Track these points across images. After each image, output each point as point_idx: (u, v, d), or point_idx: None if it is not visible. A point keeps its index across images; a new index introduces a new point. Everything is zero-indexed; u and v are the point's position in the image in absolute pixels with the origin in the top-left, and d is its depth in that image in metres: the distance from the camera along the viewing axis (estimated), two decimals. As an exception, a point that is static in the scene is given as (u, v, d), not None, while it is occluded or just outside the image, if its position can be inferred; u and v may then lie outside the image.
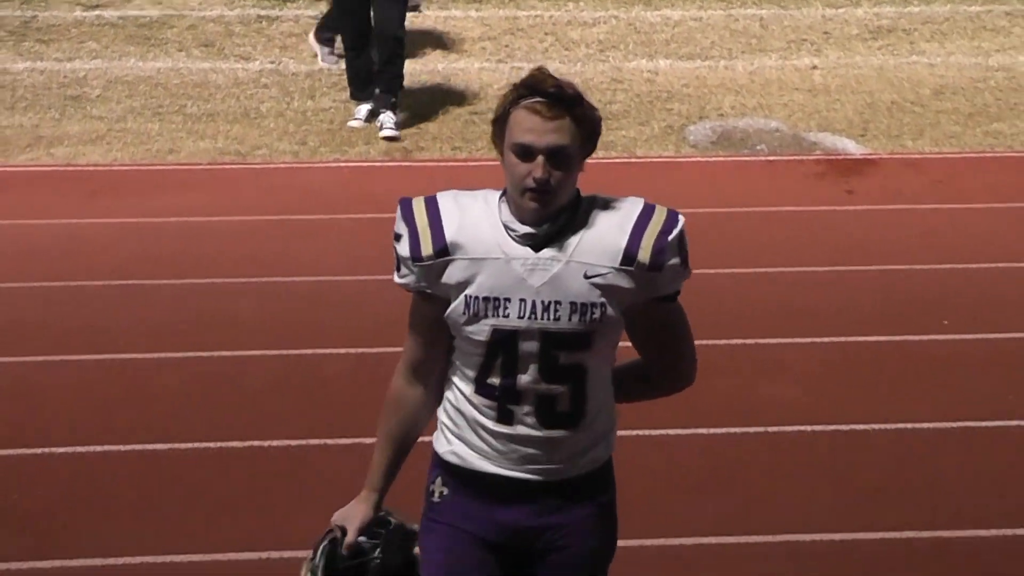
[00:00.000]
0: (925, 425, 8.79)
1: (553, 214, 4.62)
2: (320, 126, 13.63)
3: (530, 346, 4.64)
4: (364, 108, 13.72)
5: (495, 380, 4.71)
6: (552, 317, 4.60)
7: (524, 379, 4.68)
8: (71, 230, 11.62)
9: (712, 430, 8.46)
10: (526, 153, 4.56)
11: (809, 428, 8.29)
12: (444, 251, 4.65)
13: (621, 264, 4.60)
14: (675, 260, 4.66)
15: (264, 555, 7.58)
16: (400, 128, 13.54)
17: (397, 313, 9.97)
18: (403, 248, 4.71)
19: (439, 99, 14.60)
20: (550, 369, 4.67)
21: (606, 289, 4.61)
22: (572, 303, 4.60)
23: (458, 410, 4.81)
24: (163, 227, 11.70)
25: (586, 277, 4.59)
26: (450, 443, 4.84)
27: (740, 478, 7.97)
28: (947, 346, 9.86)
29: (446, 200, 4.75)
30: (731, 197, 12.38)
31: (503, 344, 4.65)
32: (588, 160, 4.62)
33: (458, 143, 13.55)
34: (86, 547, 7.64)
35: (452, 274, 4.66)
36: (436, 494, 4.87)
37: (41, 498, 8.10)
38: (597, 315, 4.61)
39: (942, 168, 13.17)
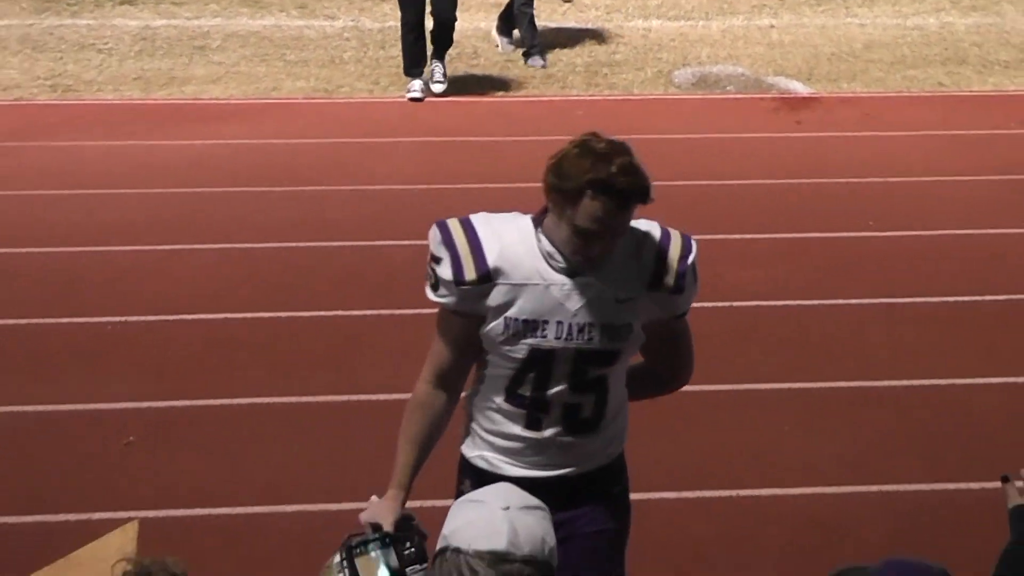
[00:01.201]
0: (854, 301, 8.79)
1: None
2: (389, 70, 13.55)
3: (564, 364, 4.12)
4: (417, 83, 13.01)
5: (526, 391, 4.17)
6: (586, 338, 4.08)
7: (553, 391, 4.16)
8: (198, 150, 11.61)
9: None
10: (590, 237, 3.96)
11: (767, 303, 8.26)
12: (487, 277, 4.06)
13: (649, 288, 4.11)
14: (692, 283, 4.19)
15: (353, 398, 7.66)
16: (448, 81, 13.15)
17: (448, 216, 10.03)
18: (444, 271, 4.10)
19: (481, 52, 14.54)
20: (578, 383, 4.16)
21: (634, 311, 4.13)
22: (604, 325, 4.09)
23: (487, 416, 4.27)
24: (268, 147, 11.69)
25: (617, 301, 4.08)
26: (478, 447, 4.31)
27: (708, 341, 7.96)
28: (873, 241, 9.84)
29: (481, 225, 4.15)
30: (707, 126, 12.34)
31: (539, 362, 4.12)
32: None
33: (497, 83, 13.50)
34: (211, 390, 7.70)
35: (494, 298, 4.08)
36: None
37: (176, 353, 8.15)
38: (625, 334, 4.14)
39: (870, 104, 13.09)
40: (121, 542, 6.18)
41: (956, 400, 7.65)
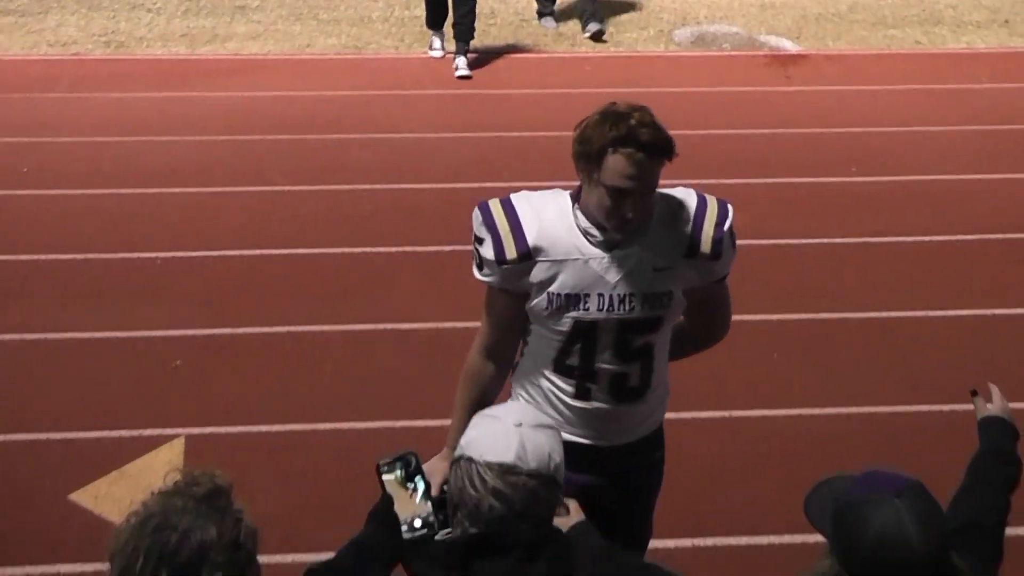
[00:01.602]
0: (836, 240, 8.80)
1: None
2: (414, 29, 13.45)
3: (607, 334, 3.93)
4: (437, 40, 12.62)
5: (574, 362, 3.98)
6: (627, 308, 3.87)
7: (600, 361, 3.96)
8: (238, 101, 11.56)
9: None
10: (621, 195, 3.75)
11: (756, 242, 8.24)
12: (527, 255, 3.89)
13: (685, 256, 3.90)
14: (730, 248, 3.99)
15: (379, 327, 7.67)
16: (471, 68, 12.46)
17: (466, 161, 10.05)
18: (487, 251, 3.96)
19: (498, 12, 14.45)
20: (624, 351, 3.96)
21: (673, 279, 3.91)
22: (644, 294, 3.88)
23: (536, 385, 4.09)
24: (302, 98, 11.65)
25: (655, 270, 3.87)
26: None
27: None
28: (855, 186, 9.80)
29: (522, 204, 3.96)
30: (704, 81, 12.25)
31: (583, 333, 3.93)
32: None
33: (512, 41, 13.43)
34: (251, 319, 7.73)
35: (535, 275, 3.90)
36: None
37: (219, 285, 8.18)
38: (665, 302, 3.92)
39: (854, 61, 13.00)
40: (169, 456, 6.24)
41: (928, 329, 7.66)
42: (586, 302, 3.87)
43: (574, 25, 13.70)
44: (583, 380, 4.00)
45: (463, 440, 3.12)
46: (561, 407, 4.04)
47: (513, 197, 4.00)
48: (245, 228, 8.98)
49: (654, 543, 4.55)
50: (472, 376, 4.16)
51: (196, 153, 10.22)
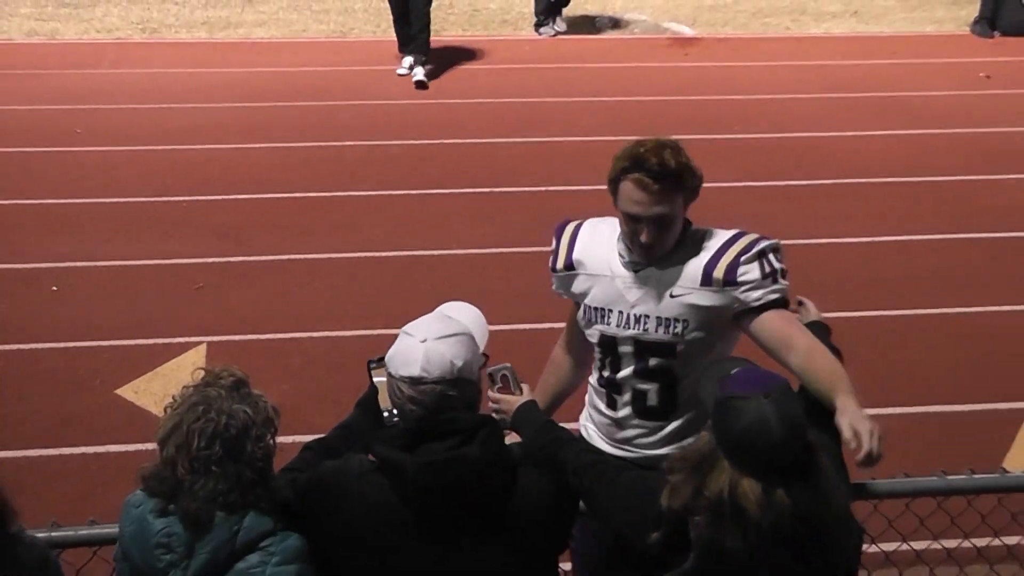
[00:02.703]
0: (725, 184, 8.74)
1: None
2: (389, 17, 13.21)
3: (626, 350, 3.47)
4: (408, 60, 11.14)
5: (606, 373, 3.55)
6: (642, 328, 3.41)
7: (622, 375, 3.50)
8: (248, 75, 11.39)
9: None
10: (634, 221, 3.33)
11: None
12: (570, 267, 3.53)
13: (701, 284, 3.35)
14: (750, 275, 3.34)
15: (363, 255, 7.57)
16: (429, 78, 11.11)
17: (434, 122, 9.94)
18: (551, 259, 3.60)
19: (456, 2, 14.26)
20: (642, 369, 3.47)
21: (690, 307, 3.37)
22: (659, 317, 3.39)
23: (589, 392, 3.71)
24: (300, 73, 11.47)
25: (672, 296, 3.37)
26: (585, 417, 3.74)
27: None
28: (737, 141, 9.76)
29: (587, 225, 3.58)
30: (619, 58, 12.15)
31: (607, 346, 3.51)
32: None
33: (467, 27, 13.26)
34: (260, 249, 7.61)
35: (577, 285, 3.53)
36: None
37: (234, 222, 8.05)
38: (679, 329, 3.38)
39: (738, 43, 12.91)
40: (195, 358, 6.17)
41: (792, 253, 7.62)
42: (608, 316, 3.47)
43: (516, 15, 13.54)
44: (611, 391, 3.57)
45: (387, 355, 2.97)
46: (598, 415, 3.65)
47: (590, 219, 3.60)
48: (255, 176, 8.84)
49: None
50: (551, 363, 3.84)
51: (215, 116, 10.07)
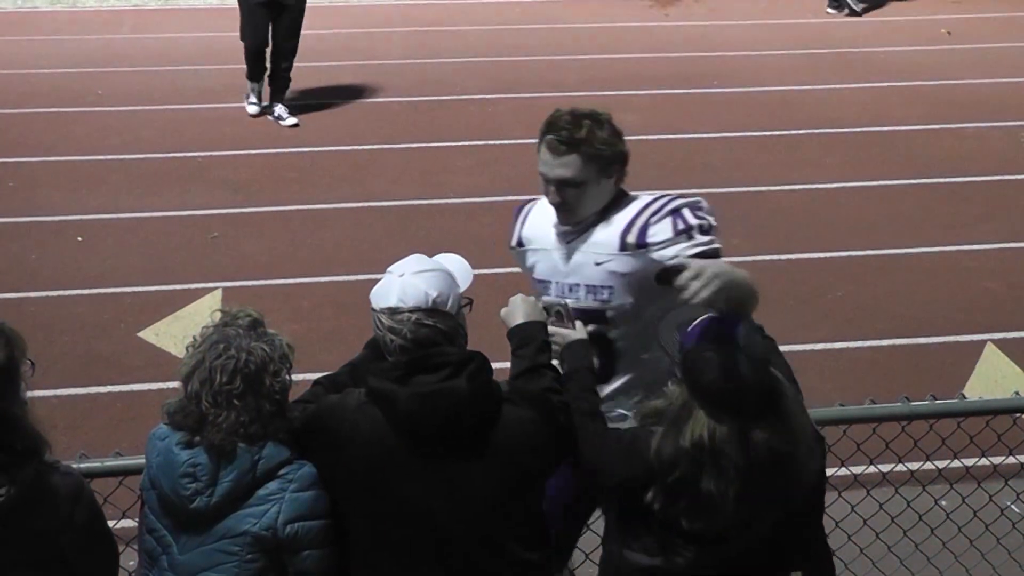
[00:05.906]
0: (703, 135, 8.72)
1: (581, 219, 3.30)
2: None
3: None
4: (255, 95, 9.01)
5: None
6: (575, 296, 3.29)
7: None
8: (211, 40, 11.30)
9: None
10: (544, 182, 3.26)
11: (645, 137, 8.09)
12: (520, 244, 3.46)
13: (620, 250, 3.24)
14: (660, 235, 3.21)
15: (365, 204, 7.53)
16: (292, 112, 8.97)
17: (427, 79, 9.81)
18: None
19: None
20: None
21: (612, 273, 3.25)
22: (588, 285, 3.28)
23: None
24: (306, 36, 11.38)
25: (596, 264, 3.27)
26: None
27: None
28: (715, 95, 9.68)
29: (539, 203, 3.46)
30: (603, 19, 11.99)
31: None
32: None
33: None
34: (269, 200, 7.57)
35: (527, 260, 3.44)
36: None
37: (245, 174, 7.97)
38: (606, 296, 3.27)
39: (716, 4, 12.72)
40: (212, 302, 6.13)
41: (766, 200, 7.61)
42: (548, 288, 3.37)
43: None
44: None
45: (370, 294, 2.93)
46: None
47: (541, 198, 3.44)
48: (263, 133, 8.77)
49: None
50: None
51: (225, 78, 9.89)
